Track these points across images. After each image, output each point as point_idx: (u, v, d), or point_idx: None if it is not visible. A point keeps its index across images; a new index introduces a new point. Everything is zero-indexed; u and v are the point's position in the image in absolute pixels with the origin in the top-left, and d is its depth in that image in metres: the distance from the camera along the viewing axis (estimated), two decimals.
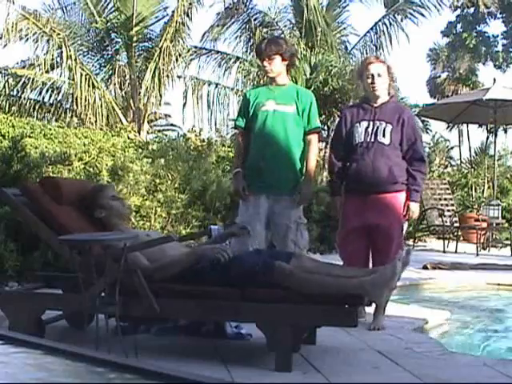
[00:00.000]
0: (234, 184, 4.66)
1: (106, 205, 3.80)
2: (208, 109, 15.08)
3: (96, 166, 6.84)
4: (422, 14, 15.01)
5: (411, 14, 15.09)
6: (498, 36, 31.22)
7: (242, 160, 4.60)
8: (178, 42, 13.74)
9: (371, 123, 4.37)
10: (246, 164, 4.58)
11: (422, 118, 14.04)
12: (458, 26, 31.10)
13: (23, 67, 14.50)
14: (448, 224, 10.69)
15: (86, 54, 14.62)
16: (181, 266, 3.48)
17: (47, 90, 14.14)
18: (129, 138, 9.60)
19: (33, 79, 13.70)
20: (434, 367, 3.44)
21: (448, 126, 26.27)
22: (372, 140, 4.34)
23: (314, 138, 4.54)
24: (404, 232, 4.59)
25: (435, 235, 11.54)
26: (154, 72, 13.59)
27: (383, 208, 4.35)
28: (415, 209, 4.45)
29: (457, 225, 10.94)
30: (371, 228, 4.38)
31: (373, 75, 4.38)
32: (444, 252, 10.07)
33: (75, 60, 13.04)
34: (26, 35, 13.11)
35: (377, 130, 4.35)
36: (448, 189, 11.61)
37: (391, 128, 4.35)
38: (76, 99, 13.17)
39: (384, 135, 4.34)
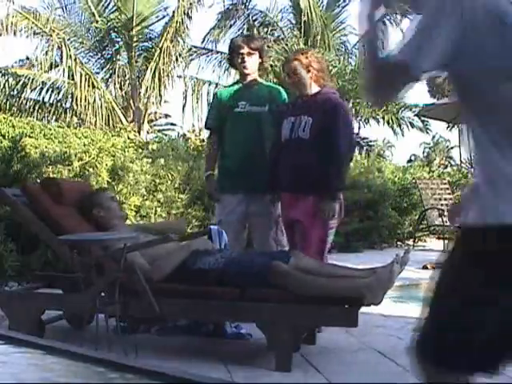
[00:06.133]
0: (207, 187, 4.60)
1: (104, 205, 3.82)
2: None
3: (96, 166, 6.83)
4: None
5: (408, 11, 15.08)
6: None
7: (213, 162, 4.56)
8: (178, 42, 13.75)
9: (298, 118, 4.10)
10: (220, 165, 4.53)
11: (422, 118, 14.03)
12: None
13: (21, 66, 14.50)
14: (448, 224, 10.68)
15: (86, 53, 14.64)
16: (176, 261, 3.50)
17: (47, 90, 14.13)
18: (129, 138, 9.58)
19: (33, 79, 13.69)
20: None
21: (448, 126, 26.25)
22: (294, 136, 4.08)
23: None
24: (330, 239, 4.13)
25: (435, 235, 11.53)
26: (154, 72, 13.60)
27: (303, 208, 4.06)
28: (327, 208, 3.98)
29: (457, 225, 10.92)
30: (292, 224, 4.16)
31: (288, 74, 4.19)
32: (444, 252, 10.05)
33: (75, 60, 13.06)
34: (26, 36, 13.14)
35: (299, 125, 4.08)
36: (448, 189, 11.60)
37: (312, 121, 4.04)
38: (76, 99, 13.17)
39: (304, 130, 4.05)
